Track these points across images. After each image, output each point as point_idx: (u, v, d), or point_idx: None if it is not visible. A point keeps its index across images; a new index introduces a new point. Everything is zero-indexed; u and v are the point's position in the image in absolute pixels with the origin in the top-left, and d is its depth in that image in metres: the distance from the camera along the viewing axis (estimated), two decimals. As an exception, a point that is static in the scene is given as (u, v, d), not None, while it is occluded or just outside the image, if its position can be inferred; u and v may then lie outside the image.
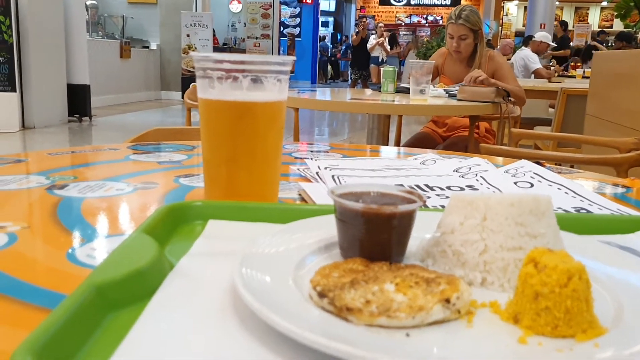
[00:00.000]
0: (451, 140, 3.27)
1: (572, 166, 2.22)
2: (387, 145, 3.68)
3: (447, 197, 0.76)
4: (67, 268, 0.55)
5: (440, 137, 3.37)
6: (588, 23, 19.13)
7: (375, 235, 0.50)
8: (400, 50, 13.73)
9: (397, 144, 3.92)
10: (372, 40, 12.96)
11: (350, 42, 16.19)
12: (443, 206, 0.79)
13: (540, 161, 1.11)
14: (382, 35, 12.85)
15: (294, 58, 0.71)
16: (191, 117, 3.43)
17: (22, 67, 6.86)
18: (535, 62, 7.43)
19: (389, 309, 0.39)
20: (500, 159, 1.36)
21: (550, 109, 5.46)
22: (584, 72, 7.40)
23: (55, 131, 7.02)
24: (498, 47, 9.16)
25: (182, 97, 7.03)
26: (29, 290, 0.49)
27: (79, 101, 7.82)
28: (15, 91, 6.71)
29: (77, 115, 7.83)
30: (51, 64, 7.28)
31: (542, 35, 8.08)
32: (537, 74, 7.33)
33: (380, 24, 14.00)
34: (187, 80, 10.96)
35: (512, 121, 3.07)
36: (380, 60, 12.75)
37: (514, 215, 0.48)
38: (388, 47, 12.97)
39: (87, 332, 0.39)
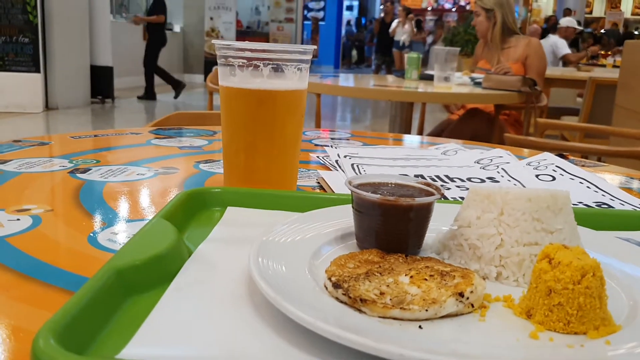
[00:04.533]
0: (470, 112, 3.26)
1: (599, 159, 2.17)
2: (410, 133, 3.67)
3: (467, 189, 0.76)
4: (89, 251, 0.56)
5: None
6: (620, 10, 18.69)
7: (392, 227, 0.50)
8: (425, 36, 13.55)
9: (420, 132, 3.90)
10: (394, 24, 12.81)
11: (373, 27, 16.02)
12: (462, 198, 0.78)
13: (564, 153, 1.10)
14: (402, 18, 12.65)
15: (314, 47, 0.71)
16: (213, 101, 3.45)
17: (46, 48, 6.92)
18: (564, 48, 7.34)
19: (402, 301, 0.40)
20: (525, 150, 1.35)
21: (579, 99, 5.37)
22: (614, 61, 7.27)
23: (78, 112, 7.09)
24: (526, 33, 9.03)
25: (205, 80, 7.03)
26: (51, 272, 0.50)
27: (101, 83, 7.88)
28: (39, 72, 6.78)
29: (100, 97, 7.90)
30: (75, 45, 7.34)
31: (568, 21, 8.00)
32: (566, 59, 7.24)
33: (399, 8, 13.81)
34: (209, 63, 10.98)
35: (538, 111, 3.03)
36: (401, 45, 12.56)
37: (531, 210, 0.48)
38: (415, 29, 12.75)
39: (107, 315, 0.40)
